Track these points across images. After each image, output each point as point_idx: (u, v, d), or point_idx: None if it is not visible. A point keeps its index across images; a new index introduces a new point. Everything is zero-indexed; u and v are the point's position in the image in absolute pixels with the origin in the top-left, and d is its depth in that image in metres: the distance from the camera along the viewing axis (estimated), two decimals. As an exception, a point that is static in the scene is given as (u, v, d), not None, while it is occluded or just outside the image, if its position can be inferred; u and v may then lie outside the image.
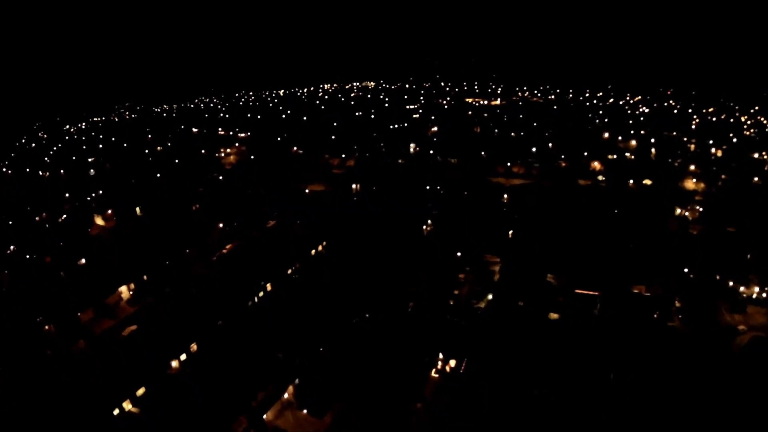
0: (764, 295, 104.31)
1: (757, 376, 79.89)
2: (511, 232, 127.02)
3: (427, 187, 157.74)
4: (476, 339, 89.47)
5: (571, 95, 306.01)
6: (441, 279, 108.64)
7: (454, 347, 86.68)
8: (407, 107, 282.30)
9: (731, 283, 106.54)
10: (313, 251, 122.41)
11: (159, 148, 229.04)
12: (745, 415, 74.24)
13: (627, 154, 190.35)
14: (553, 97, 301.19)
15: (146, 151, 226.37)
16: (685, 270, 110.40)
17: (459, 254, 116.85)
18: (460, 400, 77.29)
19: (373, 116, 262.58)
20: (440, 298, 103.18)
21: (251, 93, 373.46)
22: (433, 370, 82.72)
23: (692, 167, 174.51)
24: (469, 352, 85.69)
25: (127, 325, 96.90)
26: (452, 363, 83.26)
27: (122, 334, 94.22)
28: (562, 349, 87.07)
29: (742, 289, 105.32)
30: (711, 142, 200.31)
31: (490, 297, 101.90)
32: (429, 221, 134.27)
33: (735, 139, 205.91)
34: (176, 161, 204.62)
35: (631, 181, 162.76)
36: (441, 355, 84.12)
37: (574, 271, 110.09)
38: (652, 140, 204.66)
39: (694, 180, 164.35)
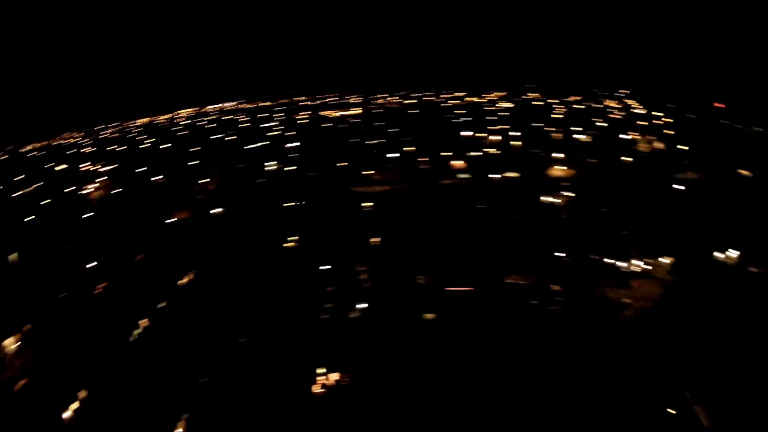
0: (646, 266, 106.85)
1: (649, 346, 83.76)
2: (375, 239, 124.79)
3: (292, 204, 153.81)
4: (355, 350, 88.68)
5: (430, 97, 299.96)
6: (310, 293, 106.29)
7: (334, 360, 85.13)
8: (264, 125, 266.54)
9: (610, 261, 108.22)
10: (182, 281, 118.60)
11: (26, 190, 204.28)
12: (640, 386, 76.72)
13: (490, 150, 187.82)
14: (413, 100, 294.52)
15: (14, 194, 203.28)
16: (560, 254, 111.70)
17: (326, 267, 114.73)
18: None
19: (231, 137, 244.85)
20: (311, 312, 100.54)
21: (111, 125, 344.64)
22: (316, 386, 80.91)
23: (559, 155, 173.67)
24: (349, 363, 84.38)
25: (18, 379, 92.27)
26: (334, 377, 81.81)
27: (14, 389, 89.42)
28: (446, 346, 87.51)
29: (622, 264, 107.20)
30: (576, 129, 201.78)
31: (361, 306, 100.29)
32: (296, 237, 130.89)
33: (603, 123, 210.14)
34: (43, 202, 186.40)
35: (495, 175, 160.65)
36: (322, 370, 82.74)
37: (444, 269, 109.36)
38: (516, 133, 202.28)
39: (562, 167, 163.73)
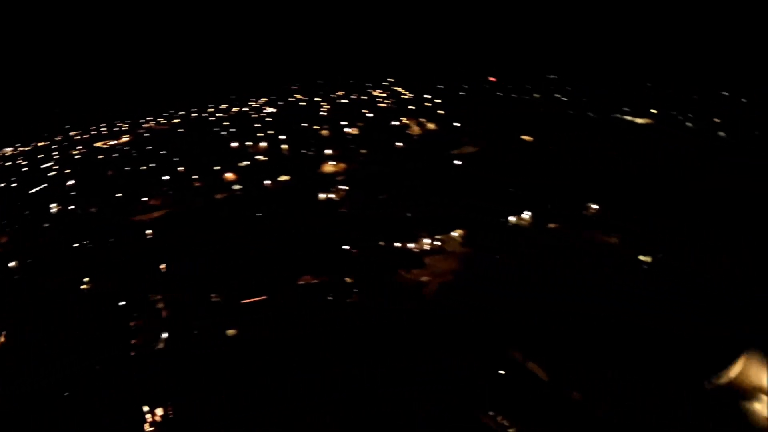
0: (437, 243, 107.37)
1: (456, 318, 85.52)
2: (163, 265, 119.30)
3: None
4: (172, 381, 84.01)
5: (194, 113, 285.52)
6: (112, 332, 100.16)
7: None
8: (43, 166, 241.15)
9: (399, 244, 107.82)
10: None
11: None
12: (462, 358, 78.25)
13: (259, 157, 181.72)
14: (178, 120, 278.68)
15: None
16: (346, 247, 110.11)
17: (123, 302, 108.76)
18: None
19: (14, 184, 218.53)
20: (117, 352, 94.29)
21: None
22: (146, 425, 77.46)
23: (329, 151, 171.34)
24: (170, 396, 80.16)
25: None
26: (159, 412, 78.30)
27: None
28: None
29: (413, 245, 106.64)
30: (344, 122, 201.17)
31: (165, 336, 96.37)
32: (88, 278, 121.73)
33: (371, 114, 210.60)
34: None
35: (268, 182, 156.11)
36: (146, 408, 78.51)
37: (235, 283, 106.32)
38: (282, 137, 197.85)
39: (333, 163, 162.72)
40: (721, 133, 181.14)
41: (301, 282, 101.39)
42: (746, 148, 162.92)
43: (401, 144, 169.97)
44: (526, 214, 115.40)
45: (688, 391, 77.70)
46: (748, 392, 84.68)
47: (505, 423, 69.83)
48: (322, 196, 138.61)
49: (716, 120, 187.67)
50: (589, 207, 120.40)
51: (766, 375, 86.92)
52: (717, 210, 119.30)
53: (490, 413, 70.91)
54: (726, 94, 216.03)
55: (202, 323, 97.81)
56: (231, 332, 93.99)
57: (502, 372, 76.11)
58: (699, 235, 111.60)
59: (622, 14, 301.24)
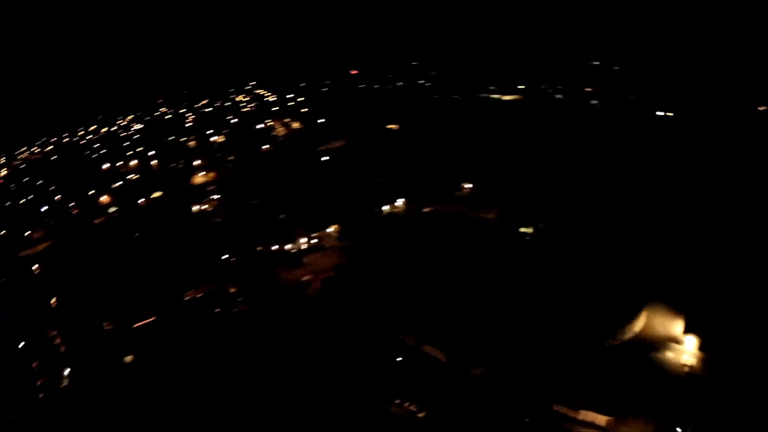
0: (312, 241, 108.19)
1: (337, 311, 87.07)
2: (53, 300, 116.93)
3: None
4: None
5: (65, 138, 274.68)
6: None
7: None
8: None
9: (276, 247, 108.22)
10: None
11: None
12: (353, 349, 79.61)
13: (130, 176, 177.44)
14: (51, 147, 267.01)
15: None
16: (225, 256, 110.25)
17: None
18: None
19: None
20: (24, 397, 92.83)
21: None
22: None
23: (198, 162, 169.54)
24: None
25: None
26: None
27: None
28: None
29: (289, 246, 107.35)
30: (210, 131, 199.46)
31: (67, 371, 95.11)
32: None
33: (235, 120, 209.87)
34: None
35: (141, 200, 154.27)
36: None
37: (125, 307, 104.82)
38: (149, 153, 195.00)
39: (204, 173, 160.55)
40: (594, 101, 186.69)
41: (187, 297, 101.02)
42: (621, 117, 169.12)
43: (268, 146, 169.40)
44: (400, 201, 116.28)
45: (591, 351, 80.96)
46: (657, 343, 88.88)
47: (413, 408, 70.84)
48: (195, 208, 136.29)
49: (588, 89, 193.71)
50: (463, 187, 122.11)
51: (671, 324, 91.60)
52: (592, 178, 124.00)
53: (397, 401, 72.22)
54: (597, 63, 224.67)
55: (99, 354, 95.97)
56: (128, 359, 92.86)
57: (400, 359, 77.14)
58: (575, 205, 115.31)
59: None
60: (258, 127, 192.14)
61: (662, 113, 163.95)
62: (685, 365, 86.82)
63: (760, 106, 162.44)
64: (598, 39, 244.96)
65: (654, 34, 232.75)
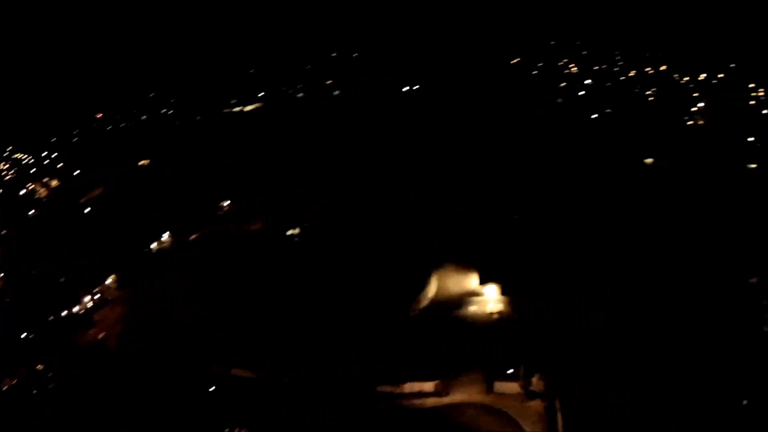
0: (96, 297, 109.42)
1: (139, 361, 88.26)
2: None
3: None
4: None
5: None
6: None
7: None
8: None
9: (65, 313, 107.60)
10: None
11: None
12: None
13: None
14: None
15: None
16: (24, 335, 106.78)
17: None
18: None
19: None
20: None
21: None
22: None
23: None
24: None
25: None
26: None
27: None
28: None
29: (77, 308, 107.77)
30: None
31: None
32: None
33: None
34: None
35: None
36: None
37: None
38: None
39: None
40: (336, 93, 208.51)
41: (5, 387, 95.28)
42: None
43: (34, 211, 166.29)
44: (165, 236, 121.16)
45: (397, 328, 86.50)
46: (457, 301, 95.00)
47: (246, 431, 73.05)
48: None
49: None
50: (222, 205, 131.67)
51: (465, 280, 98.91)
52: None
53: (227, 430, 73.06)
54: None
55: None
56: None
57: (212, 388, 79.61)
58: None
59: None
60: (21, 193, 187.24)
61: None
62: (492, 313, 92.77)
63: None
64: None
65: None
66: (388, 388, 77.55)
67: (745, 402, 71.59)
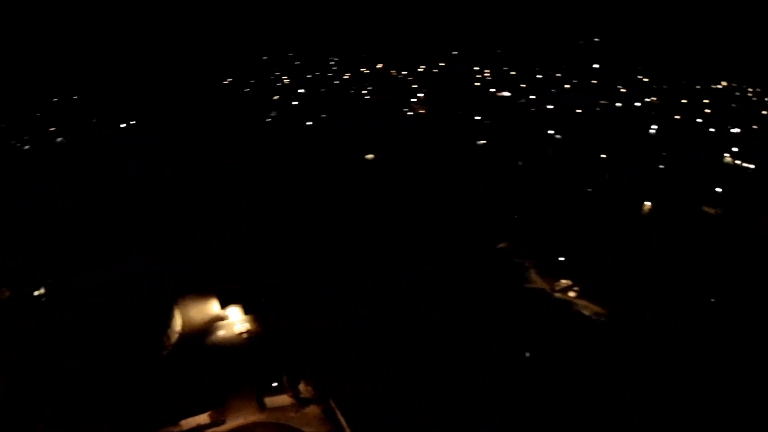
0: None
1: None
2: None
3: None
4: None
5: None
6: None
7: None
8: None
9: None
10: None
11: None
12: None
13: None
14: None
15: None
16: None
17: None
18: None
19: None
20: None
21: None
22: None
23: None
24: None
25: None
26: None
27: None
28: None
29: None
30: None
31: None
32: None
33: None
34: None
35: None
36: None
37: None
38: None
39: None
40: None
41: None
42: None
43: None
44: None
45: (147, 367, 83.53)
46: (204, 330, 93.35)
47: None
48: None
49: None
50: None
51: (206, 308, 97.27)
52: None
53: None
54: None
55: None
56: None
57: None
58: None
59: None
60: None
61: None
62: (241, 333, 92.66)
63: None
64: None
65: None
66: (165, 431, 74.68)
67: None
